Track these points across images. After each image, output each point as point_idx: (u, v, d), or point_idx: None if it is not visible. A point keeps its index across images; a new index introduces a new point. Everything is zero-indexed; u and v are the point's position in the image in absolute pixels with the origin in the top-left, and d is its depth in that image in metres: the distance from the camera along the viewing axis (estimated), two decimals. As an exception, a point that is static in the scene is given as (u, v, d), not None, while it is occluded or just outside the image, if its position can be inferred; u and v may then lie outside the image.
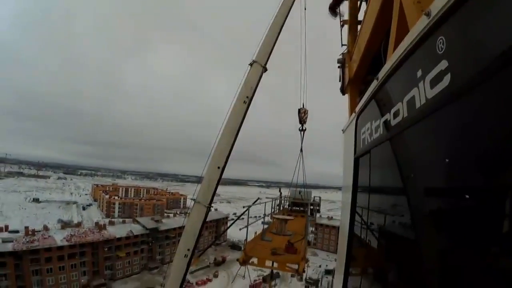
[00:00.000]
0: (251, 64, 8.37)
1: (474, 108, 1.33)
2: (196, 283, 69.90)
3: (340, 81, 7.76)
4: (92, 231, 70.87)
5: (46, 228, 69.12)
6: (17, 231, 64.74)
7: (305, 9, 13.33)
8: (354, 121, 3.87)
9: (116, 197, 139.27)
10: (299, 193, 17.18)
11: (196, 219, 7.16)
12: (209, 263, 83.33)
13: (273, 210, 13.87)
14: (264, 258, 8.08)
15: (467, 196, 1.37)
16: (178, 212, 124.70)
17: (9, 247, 55.32)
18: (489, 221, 1.21)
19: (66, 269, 61.48)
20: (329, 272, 74.38)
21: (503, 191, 1.14)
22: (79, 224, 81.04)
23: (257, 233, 10.58)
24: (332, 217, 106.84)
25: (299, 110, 15.34)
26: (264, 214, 11.62)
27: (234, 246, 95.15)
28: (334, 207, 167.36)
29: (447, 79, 1.45)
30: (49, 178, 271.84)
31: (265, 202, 12.07)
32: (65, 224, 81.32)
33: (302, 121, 15.39)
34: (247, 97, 7.99)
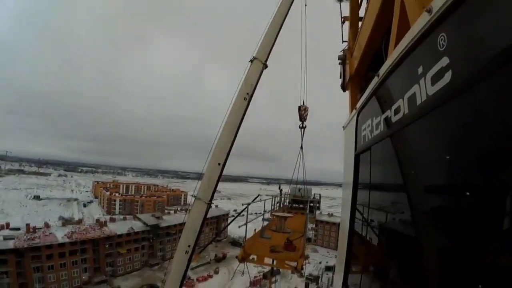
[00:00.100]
0: (251, 61, 8.34)
1: (475, 105, 1.32)
2: (197, 279, 70.14)
3: (340, 77, 7.74)
4: (93, 228, 71.09)
5: (47, 225, 69.27)
6: (18, 229, 64.83)
7: (305, 5, 13.27)
8: (354, 118, 3.87)
9: (117, 194, 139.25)
10: (299, 190, 17.19)
11: (197, 215, 7.17)
12: (210, 259, 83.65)
13: (273, 207, 13.90)
14: (263, 255, 8.11)
15: (468, 194, 1.37)
16: (178, 209, 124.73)
17: (10, 244, 55.43)
18: (490, 219, 1.21)
19: (67, 266, 61.68)
20: (329, 268, 74.73)
21: (504, 188, 1.13)
22: (80, 221, 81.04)
23: (256, 230, 10.61)
24: (332, 214, 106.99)
25: (299, 107, 15.31)
26: (264, 211, 11.65)
27: (235, 243, 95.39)
28: (335, 204, 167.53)
29: (448, 76, 1.44)
30: (49, 175, 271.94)
31: (265, 200, 12.09)
32: (66, 221, 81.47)
33: (302, 118, 15.36)
34: (247, 93, 7.97)
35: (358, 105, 3.74)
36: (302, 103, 15.30)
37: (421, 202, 1.89)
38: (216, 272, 76.28)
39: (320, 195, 17.52)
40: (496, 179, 1.21)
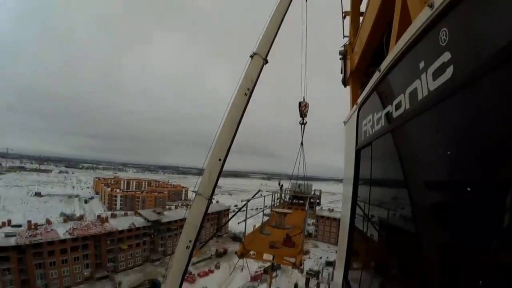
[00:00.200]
0: (251, 56, 8.30)
1: (477, 100, 1.32)
2: (198, 275, 70.41)
3: (342, 72, 7.72)
4: (94, 224, 71.31)
5: (48, 221, 69.56)
6: (19, 226, 65.02)
7: (306, 0, 13.17)
8: (355, 113, 3.86)
9: (118, 190, 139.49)
10: (298, 186, 17.21)
11: (198, 211, 7.17)
12: (211, 254, 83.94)
13: (273, 203, 13.93)
14: (262, 251, 8.13)
15: (468, 189, 1.37)
16: (179, 204, 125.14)
17: (12, 241, 55.57)
18: (491, 215, 1.21)
19: (69, 262, 61.91)
20: (330, 263, 74.90)
21: (506, 184, 1.13)
22: (81, 217, 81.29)
23: (256, 227, 10.64)
24: (333, 209, 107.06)
25: (299, 103, 15.28)
26: (264, 207, 11.67)
27: (236, 238, 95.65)
28: (335, 199, 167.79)
29: (449, 71, 1.44)
30: (50, 172, 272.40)
31: (265, 196, 12.12)
32: (67, 218, 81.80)
33: (303, 114, 15.34)
34: (248, 89, 7.94)
35: (359, 100, 3.74)
36: (302, 99, 15.28)
37: (422, 198, 1.89)
38: (217, 267, 76.54)
39: (320, 191, 17.51)
40: (497, 175, 1.20)
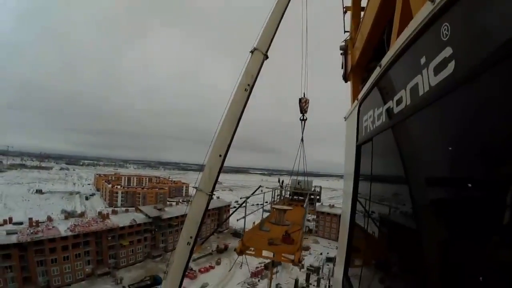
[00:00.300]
0: (252, 52, 8.27)
1: (478, 95, 1.31)
2: (199, 270, 70.84)
3: (342, 68, 7.70)
4: (95, 221, 71.55)
5: (49, 219, 69.66)
6: (21, 223, 65.35)
7: None
8: (356, 109, 3.85)
9: (119, 186, 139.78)
10: (298, 183, 17.24)
11: (198, 207, 7.19)
12: (212, 250, 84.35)
13: (273, 199, 13.95)
14: (261, 248, 8.15)
15: (470, 186, 1.37)
16: (180, 200, 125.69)
17: (13, 239, 55.77)
18: (492, 212, 1.20)
19: (71, 258, 62.19)
20: (330, 259, 75.24)
21: (507, 181, 1.12)
22: (82, 214, 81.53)
23: (256, 223, 10.66)
24: (333, 205, 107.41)
25: (300, 99, 15.27)
26: (264, 203, 11.69)
27: (236, 234, 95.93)
28: (336, 195, 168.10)
29: (451, 66, 1.43)
30: (51, 169, 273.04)
31: (264, 193, 12.15)
32: (68, 215, 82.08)
33: (303, 110, 15.33)
34: (248, 85, 7.92)
35: (360, 95, 3.72)
36: (302, 95, 15.27)
37: (422, 194, 1.88)
38: (218, 263, 76.93)
39: (320, 187, 17.54)
40: (499, 171, 1.19)
